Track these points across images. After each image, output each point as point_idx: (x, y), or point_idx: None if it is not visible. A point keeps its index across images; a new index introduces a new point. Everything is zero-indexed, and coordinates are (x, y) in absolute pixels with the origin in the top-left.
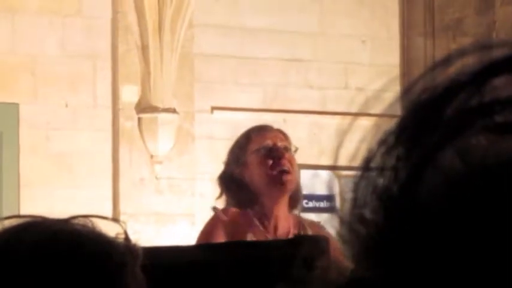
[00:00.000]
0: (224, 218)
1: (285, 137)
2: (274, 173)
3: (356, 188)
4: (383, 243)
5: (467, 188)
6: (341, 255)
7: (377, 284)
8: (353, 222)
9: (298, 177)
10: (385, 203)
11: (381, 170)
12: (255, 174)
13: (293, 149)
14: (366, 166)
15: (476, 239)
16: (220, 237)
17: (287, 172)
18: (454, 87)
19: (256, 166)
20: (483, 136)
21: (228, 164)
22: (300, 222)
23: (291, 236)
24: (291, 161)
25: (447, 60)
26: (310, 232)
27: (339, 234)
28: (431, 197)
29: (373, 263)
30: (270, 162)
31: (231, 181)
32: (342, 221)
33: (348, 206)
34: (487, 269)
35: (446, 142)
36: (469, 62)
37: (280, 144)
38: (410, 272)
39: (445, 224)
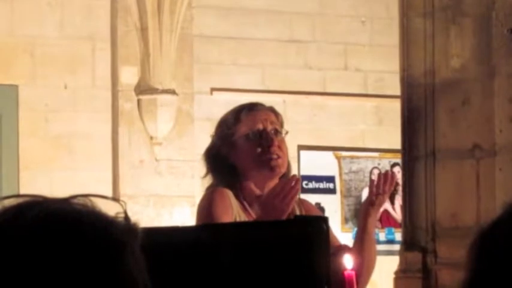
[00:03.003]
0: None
1: (276, 116)
2: (263, 159)
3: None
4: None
5: None
6: (332, 235)
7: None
8: None
9: (288, 158)
10: None
11: None
12: (242, 159)
13: (283, 132)
14: None
15: None
16: (223, 205)
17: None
18: None
19: (244, 151)
20: None
21: (215, 140)
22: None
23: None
24: (281, 146)
25: None
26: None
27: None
28: None
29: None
30: (259, 150)
31: (217, 160)
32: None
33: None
34: None
35: None
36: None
37: (270, 128)
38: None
39: None
